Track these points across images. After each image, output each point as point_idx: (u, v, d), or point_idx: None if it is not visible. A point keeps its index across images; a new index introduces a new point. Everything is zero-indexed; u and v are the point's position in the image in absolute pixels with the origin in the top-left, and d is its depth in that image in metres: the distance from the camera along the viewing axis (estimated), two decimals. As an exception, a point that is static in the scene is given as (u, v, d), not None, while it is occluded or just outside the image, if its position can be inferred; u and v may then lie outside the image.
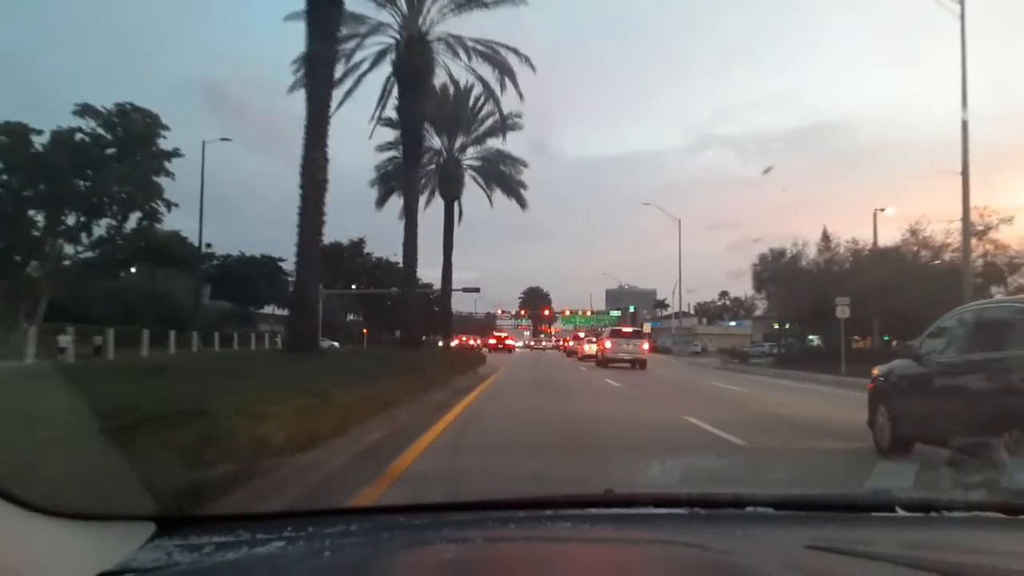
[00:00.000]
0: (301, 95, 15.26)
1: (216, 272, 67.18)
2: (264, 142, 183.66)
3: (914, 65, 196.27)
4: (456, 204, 39.39)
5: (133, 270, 44.34)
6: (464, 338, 67.64)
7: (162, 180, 34.43)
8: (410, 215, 27.35)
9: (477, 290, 55.29)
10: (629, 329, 36.03)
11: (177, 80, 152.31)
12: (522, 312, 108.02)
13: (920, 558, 1.20)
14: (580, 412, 11.39)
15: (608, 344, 31.20)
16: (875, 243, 34.89)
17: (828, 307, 30.53)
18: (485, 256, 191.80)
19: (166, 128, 34.05)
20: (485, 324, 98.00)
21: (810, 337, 48.16)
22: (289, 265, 64.29)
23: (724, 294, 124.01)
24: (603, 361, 30.83)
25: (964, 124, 19.32)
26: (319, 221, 14.97)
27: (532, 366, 31.92)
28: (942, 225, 31.83)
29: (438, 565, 1.20)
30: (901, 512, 1.62)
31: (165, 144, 34.44)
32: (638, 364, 29.76)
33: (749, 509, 1.62)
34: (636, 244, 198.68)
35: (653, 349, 33.56)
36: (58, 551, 1.22)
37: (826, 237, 43.27)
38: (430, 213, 40.92)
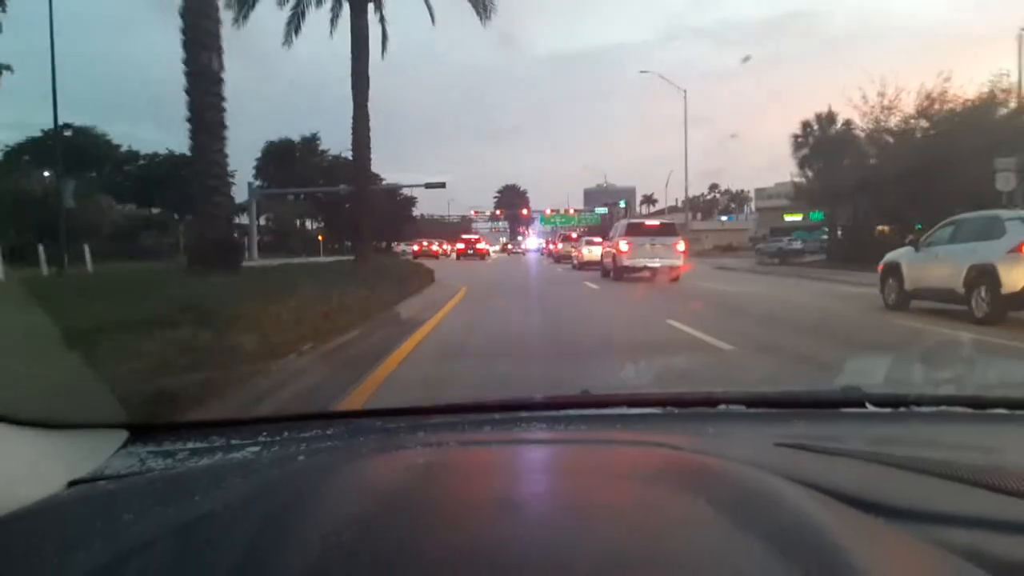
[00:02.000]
0: None
1: (142, 174, 58.10)
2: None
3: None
4: (373, 7, 23.49)
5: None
6: (426, 243, 57.77)
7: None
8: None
9: (442, 185, 46.24)
10: (655, 223, 24.02)
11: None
12: (498, 213, 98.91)
13: (886, 453, 1.16)
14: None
15: (624, 246, 20.96)
16: (1021, 82, 24.67)
17: (929, 184, 22.68)
18: (456, 159, 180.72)
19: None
20: (459, 228, 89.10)
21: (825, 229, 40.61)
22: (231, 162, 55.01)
23: (714, 187, 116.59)
24: (617, 272, 21.21)
25: None
26: None
27: (511, 285, 21.45)
28: None
29: (410, 468, 1.12)
30: (871, 408, 1.57)
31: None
32: (668, 275, 20.32)
33: (721, 407, 1.57)
34: (613, 141, 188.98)
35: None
36: (28, 461, 1.16)
37: (831, 119, 34.91)
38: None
